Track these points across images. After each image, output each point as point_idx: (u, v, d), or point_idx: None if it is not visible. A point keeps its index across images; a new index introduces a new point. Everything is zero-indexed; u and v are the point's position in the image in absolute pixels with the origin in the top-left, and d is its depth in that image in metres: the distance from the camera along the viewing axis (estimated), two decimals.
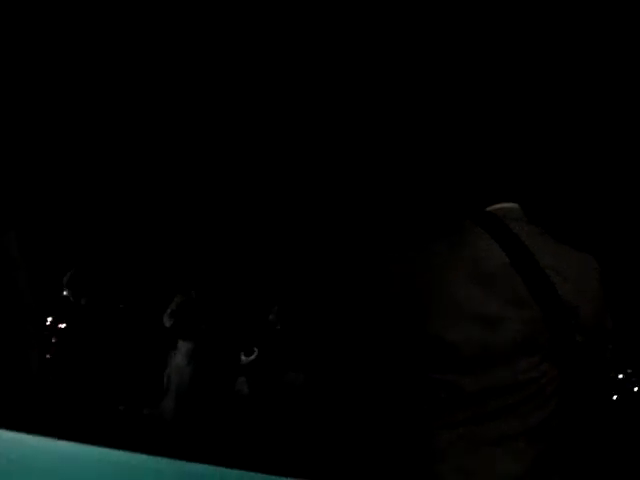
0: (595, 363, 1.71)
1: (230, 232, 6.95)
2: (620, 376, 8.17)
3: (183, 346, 5.72)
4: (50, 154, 7.12)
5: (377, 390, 1.70)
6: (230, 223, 7.06)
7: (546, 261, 1.66)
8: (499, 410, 1.61)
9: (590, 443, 1.73)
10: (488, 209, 1.75)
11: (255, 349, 5.90)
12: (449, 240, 1.71)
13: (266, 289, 6.40)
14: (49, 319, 6.14)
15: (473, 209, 1.77)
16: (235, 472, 3.37)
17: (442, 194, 1.83)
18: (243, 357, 6.10)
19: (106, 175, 7.21)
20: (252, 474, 3.37)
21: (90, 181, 7.23)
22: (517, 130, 1.82)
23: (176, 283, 6.00)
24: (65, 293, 6.02)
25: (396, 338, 1.67)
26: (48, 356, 6.01)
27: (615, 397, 8.07)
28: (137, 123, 7.08)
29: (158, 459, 3.64)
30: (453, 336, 1.63)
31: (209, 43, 6.44)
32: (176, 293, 5.82)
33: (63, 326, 6.20)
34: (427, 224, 1.80)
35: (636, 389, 8.18)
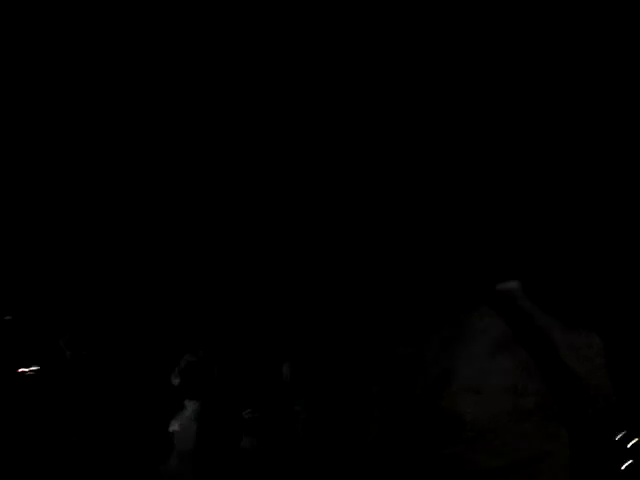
0: (604, 433, 1.71)
1: (238, 292, 6.94)
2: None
3: (190, 405, 5.70)
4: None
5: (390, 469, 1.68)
6: (237, 283, 7.05)
7: (555, 339, 1.67)
8: None
9: None
10: (497, 289, 1.77)
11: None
12: (460, 320, 1.72)
13: (272, 350, 6.37)
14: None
15: (479, 289, 1.78)
16: None
17: (449, 276, 1.84)
18: (247, 415, 6.07)
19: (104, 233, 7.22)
20: None
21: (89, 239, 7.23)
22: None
23: (184, 342, 5.98)
24: (65, 352, 6.00)
25: (408, 418, 1.65)
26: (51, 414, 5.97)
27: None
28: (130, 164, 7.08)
29: None
30: (465, 409, 1.62)
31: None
32: (184, 352, 5.81)
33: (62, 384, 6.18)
34: (435, 306, 1.80)
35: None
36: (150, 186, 7.12)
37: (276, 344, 6.42)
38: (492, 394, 1.62)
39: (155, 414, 6.12)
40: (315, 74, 6.31)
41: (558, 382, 1.65)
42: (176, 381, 5.75)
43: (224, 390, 5.85)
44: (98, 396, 5.80)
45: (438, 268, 1.84)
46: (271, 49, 6.32)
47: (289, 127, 6.73)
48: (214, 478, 5.84)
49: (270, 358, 6.43)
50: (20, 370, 6.13)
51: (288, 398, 6.02)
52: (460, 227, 1.85)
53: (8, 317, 6.21)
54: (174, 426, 5.75)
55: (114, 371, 5.95)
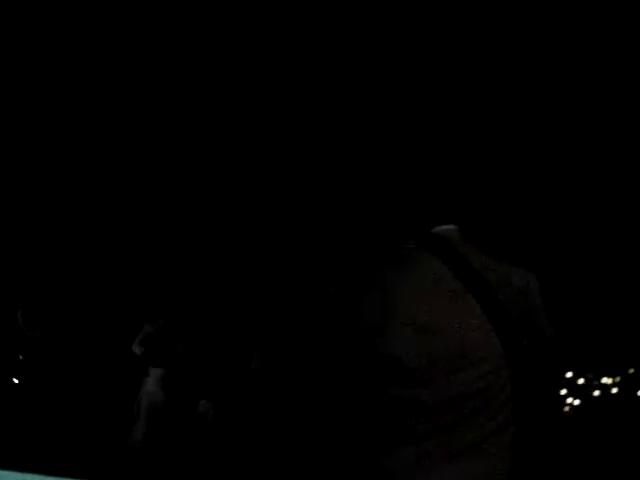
0: (541, 365, 1.76)
1: (196, 259, 6.96)
2: (581, 381, 8.32)
3: (153, 373, 5.74)
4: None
5: (338, 413, 1.70)
6: (194, 249, 7.07)
7: (491, 277, 1.73)
8: (459, 420, 1.64)
9: (552, 447, 1.78)
10: (432, 231, 1.81)
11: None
12: (398, 263, 1.76)
13: (231, 313, 6.42)
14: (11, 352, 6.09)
15: (415, 232, 1.82)
16: None
17: (383, 217, 1.89)
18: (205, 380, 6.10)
19: (68, 190, 7.16)
20: None
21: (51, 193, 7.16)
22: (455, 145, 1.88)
23: (143, 311, 6.01)
24: (21, 325, 5.98)
25: (350, 362, 1.67)
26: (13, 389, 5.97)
27: (577, 402, 8.21)
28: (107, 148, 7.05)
29: None
30: (404, 351, 1.65)
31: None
32: (144, 322, 5.85)
33: (22, 357, 6.16)
34: (370, 249, 1.83)
35: (596, 393, 8.33)
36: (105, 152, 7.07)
37: (232, 308, 6.47)
38: (434, 332, 1.68)
39: (120, 384, 6.16)
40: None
41: (497, 322, 1.71)
42: (138, 350, 5.79)
43: (186, 357, 5.90)
44: (62, 369, 5.83)
45: (377, 212, 1.89)
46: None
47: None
48: (181, 444, 5.89)
49: (227, 322, 6.48)
50: None
51: (243, 360, 6.09)
52: (400, 172, 1.89)
53: None
54: (140, 395, 5.81)
55: (76, 344, 5.97)
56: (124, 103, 6.80)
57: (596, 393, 8.47)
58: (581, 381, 8.41)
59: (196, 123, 6.88)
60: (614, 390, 8.50)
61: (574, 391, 8.29)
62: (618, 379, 8.47)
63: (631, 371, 8.57)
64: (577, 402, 8.27)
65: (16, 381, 6.04)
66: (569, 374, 8.21)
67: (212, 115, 6.78)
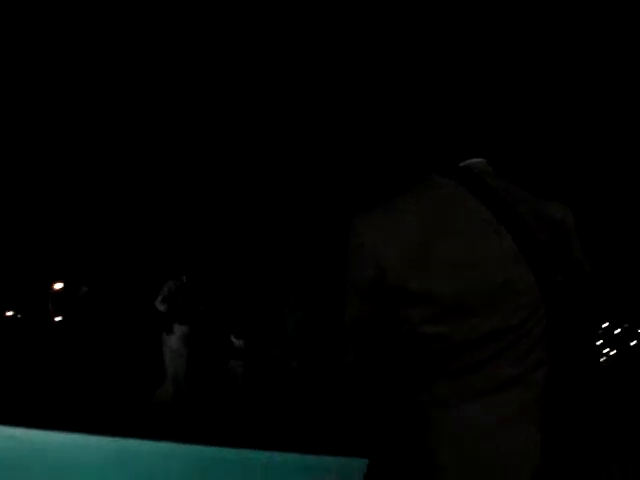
0: (578, 303, 1.72)
1: (218, 217, 6.92)
2: (617, 331, 8.22)
3: (178, 330, 5.73)
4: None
5: (369, 354, 1.68)
6: (217, 208, 7.03)
7: (524, 210, 1.67)
8: (492, 357, 1.61)
9: (585, 392, 1.73)
10: (461, 164, 1.75)
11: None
12: (431, 197, 1.70)
13: (256, 272, 6.39)
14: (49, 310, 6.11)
15: (443, 165, 1.76)
16: (234, 451, 3.38)
17: (411, 151, 1.82)
18: (234, 340, 6.11)
19: (91, 160, 7.16)
20: (251, 451, 3.37)
21: (74, 166, 7.18)
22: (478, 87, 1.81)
23: (166, 269, 5.99)
24: (58, 287, 6.00)
25: (378, 296, 1.65)
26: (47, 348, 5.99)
27: (614, 351, 8.12)
28: (114, 113, 7.03)
29: (160, 444, 3.62)
30: (435, 287, 1.61)
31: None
32: (167, 279, 5.83)
33: (59, 318, 6.18)
34: (404, 181, 1.78)
35: (633, 343, 8.22)
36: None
37: (258, 269, 6.43)
38: (466, 267, 1.62)
39: (146, 340, 6.16)
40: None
41: (531, 256, 1.65)
42: (162, 307, 5.77)
43: (211, 314, 5.88)
44: (89, 328, 5.83)
45: (410, 144, 1.83)
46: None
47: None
48: (205, 400, 5.91)
49: (253, 283, 6.45)
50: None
51: (274, 323, 6.07)
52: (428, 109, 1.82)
53: None
54: (165, 351, 5.80)
55: (102, 303, 5.96)
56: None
57: (633, 343, 8.37)
58: (617, 331, 8.31)
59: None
60: None
61: (611, 341, 8.20)
62: None
63: None
64: (613, 352, 8.18)
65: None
66: (605, 324, 8.11)
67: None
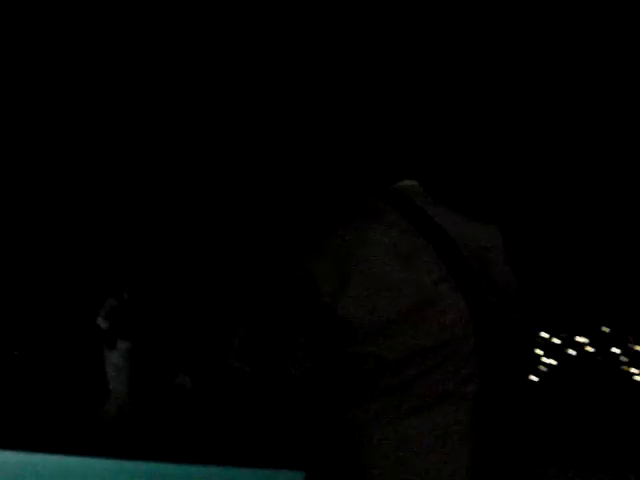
0: (506, 318, 1.79)
1: (154, 231, 6.90)
2: (557, 341, 8.37)
3: (121, 345, 5.69)
4: None
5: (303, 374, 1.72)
6: (153, 223, 7.01)
7: (454, 233, 1.71)
8: (421, 375, 1.68)
9: (518, 399, 1.78)
10: (392, 187, 1.81)
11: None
12: (358, 220, 1.75)
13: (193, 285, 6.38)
14: None
15: (374, 188, 1.81)
16: (183, 467, 3.37)
17: (341, 176, 1.86)
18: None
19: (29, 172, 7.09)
20: (199, 467, 3.37)
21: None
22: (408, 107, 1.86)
23: (104, 286, 5.95)
24: None
25: (311, 321, 1.69)
26: None
27: (554, 362, 8.26)
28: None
29: (104, 461, 3.60)
30: (362, 312, 1.69)
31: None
32: (107, 296, 5.78)
33: None
34: (330, 207, 1.82)
35: (573, 353, 8.38)
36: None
37: (203, 279, 6.42)
38: (392, 290, 1.67)
39: (87, 358, 6.11)
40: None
41: (459, 277, 1.71)
42: (104, 325, 5.73)
43: (155, 329, 5.85)
44: (28, 347, 5.75)
45: (337, 167, 1.86)
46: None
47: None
48: (152, 418, 5.87)
49: (200, 293, 6.43)
50: None
51: (222, 332, 6.06)
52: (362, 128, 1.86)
53: None
54: (107, 368, 5.75)
55: (39, 321, 5.89)
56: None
57: (572, 352, 8.52)
58: (556, 341, 8.46)
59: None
60: (589, 349, 8.56)
61: (550, 351, 8.35)
62: (593, 338, 8.53)
63: (606, 330, 8.63)
64: (553, 362, 8.32)
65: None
66: (544, 334, 8.26)
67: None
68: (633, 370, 8.55)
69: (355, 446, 1.69)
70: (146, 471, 3.26)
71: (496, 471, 1.68)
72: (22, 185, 6.99)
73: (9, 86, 6.44)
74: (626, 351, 8.54)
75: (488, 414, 1.66)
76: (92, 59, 6.53)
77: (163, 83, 6.73)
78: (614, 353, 8.43)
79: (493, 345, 1.69)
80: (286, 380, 1.74)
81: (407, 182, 1.76)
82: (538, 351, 7.99)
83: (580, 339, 8.40)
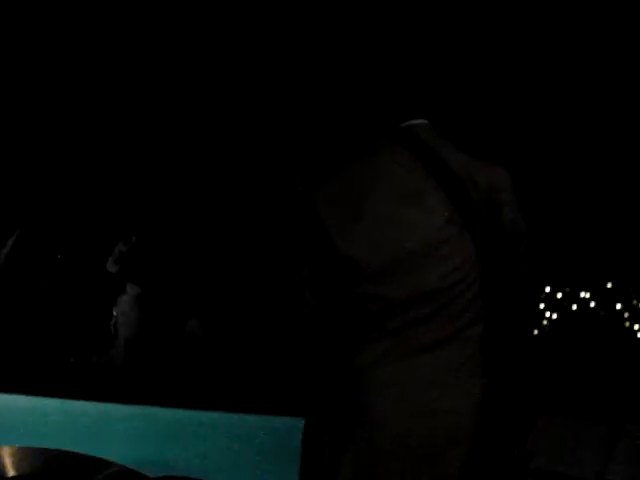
0: (515, 263, 1.76)
1: (164, 177, 6.92)
2: (559, 295, 8.41)
3: (131, 290, 5.75)
4: None
5: (310, 316, 1.73)
6: (162, 169, 7.03)
7: (463, 174, 1.70)
8: (427, 316, 1.66)
9: (520, 348, 1.79)
10: (402, 125, 1.78)
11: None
12: (367, 159, 1.74)
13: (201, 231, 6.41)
14: None
15: (385, 126, 1.79)
16: (190, 412, 3.46)
17: (352, 113, 1.86)
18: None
19: (35, 121, 7.10)
20: (205, 413, 3.45)
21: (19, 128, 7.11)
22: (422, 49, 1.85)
23: (114, 230, 5.99)
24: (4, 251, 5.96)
25: (317, 261, 1.70)
26: None
27: (555, 316, 8.31)
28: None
29: (112, 405, 3.68)
30: (366, 251, 1.67)
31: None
32: (117, 240, 5.82)
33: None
34: (341, 145, 1.82)
35: (574, 307, 8.42)
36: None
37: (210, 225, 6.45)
38: (398, 232, 1.67)
39: (98, 302, 6.17)
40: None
41: (467, 218, 1.69)
42: (114, 268, 5.77)
43: (164, 273, 5.89)
44: (42, 289, 5.82)
45: (348, 104, 1.87)
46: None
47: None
48: (159, 361, 5.94)
49: (207, 239, 6.47)
50: None
51: (229, 278, 6.11)
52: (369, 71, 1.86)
53: None
54: (116, 312, 5.82)
55: (53, 265, 5.95)
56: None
57: (574, 307, 8.56)
58: (559, 295, 8.49)
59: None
60: (592, 304, 8.60)
61: (552, 305, 8.38)
62: (596, 293, 8.57)
63: (609, 285, 8.65)
64: (555, 316, 8.37)
65: None
66: (547, 288, 8.28)
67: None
68: (634, 326, 8.60)
69: (360, 387, 1.68)
70: (149, 415, 3.33)
71: (504, 410, 1.71)
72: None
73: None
74: (628, 307, 8.58)
75: (495, 355, 1.68)
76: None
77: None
78: (617, 309, 8.48)
79: (499, 289, 1.68)
80: (295, 320, 1.73)
81: (416, 121, 1.74)
82: (541, 305, 8.03)
83: (583, 294, 8.44)
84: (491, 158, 1.77)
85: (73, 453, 1.99)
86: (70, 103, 6.98)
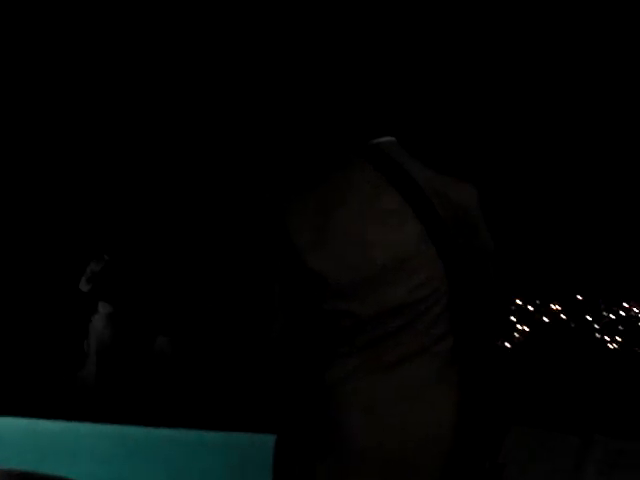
0: (483, 278, 1.77)
1: (134, 197, 6.91)
2: (530, 308, 8.47)
3: (103, 310, 5.73)
4: None
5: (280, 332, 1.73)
6: (134, 187, 7.01)
7: (430, 191, 1.71)
8: (397, 330, 1.67)
9: (489, 361, 1.81)
10: (370, 143, 1.79)
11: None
12: (336, 176, 1.76)
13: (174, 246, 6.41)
14: None
15: (354, 144, 1.80)
16: (160, 431, 3.44)
17: (322, 131, 1.87)
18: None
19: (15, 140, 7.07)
20: (174, 430, 3.44)
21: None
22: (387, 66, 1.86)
23: (88, 249, 5.98)
24: None
25: (286, 276, 1.70)
26: None
27: (526, 328, 8.36)
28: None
29: (83, 425, 3.66)
30: (333, 267, 1.68)
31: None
32: (90, 259, 5.81)
33: None
34: (311, 161, 1.83)
35: (545, 319, 8.48)
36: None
37: (184, 241, 6.45)
38: (365, 247, 1.68)
39: (70, 320, 6.14)
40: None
41: (435, 235, 1.70)
42: (86, 288, 5.76)
43: (136, 292, 5.88)
44: (13, 309, 5.78)
45: (318, 123, 1.88)
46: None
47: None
48: (130, 379, 5.91)
49: (179, 256, 6.46)
50: None
51: (201, 296, 6.11)
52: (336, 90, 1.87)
53: None
54: (90, 331, 5.79)
55: (26, 284, 5.91)
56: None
57: (545, 319, 8.62)
58: (530, 308, 8.55)
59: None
60: (562, 316, 8.66)
61: (524, 318, 8.43)
62: (566, 305, 8.63)
63: (579, 297, 8.72)
64: (526, 328, 8.42)
65: None
66: (518, 301, 8.34)
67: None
68: (605, 337, 8.68)
69: (330, 402, 1.68)
70: (121, 435, 3.30)
71: (475, 423, 1.72)
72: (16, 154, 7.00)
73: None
74: (599, 319, 8.66)
75: (465, 368, 1.69)
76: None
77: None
78: (587, 320, 8.55)
79: (468, 303, 1.70)
80: (264, 337, 1.73)
81: (384, 138, 1.76)
82: (512, 318, 8.08)
83: (554, 306, 8.51)
84: (458, 175, 1.79)
85: (39, 474, 1.97)
86: (41, 123, 6.97)
